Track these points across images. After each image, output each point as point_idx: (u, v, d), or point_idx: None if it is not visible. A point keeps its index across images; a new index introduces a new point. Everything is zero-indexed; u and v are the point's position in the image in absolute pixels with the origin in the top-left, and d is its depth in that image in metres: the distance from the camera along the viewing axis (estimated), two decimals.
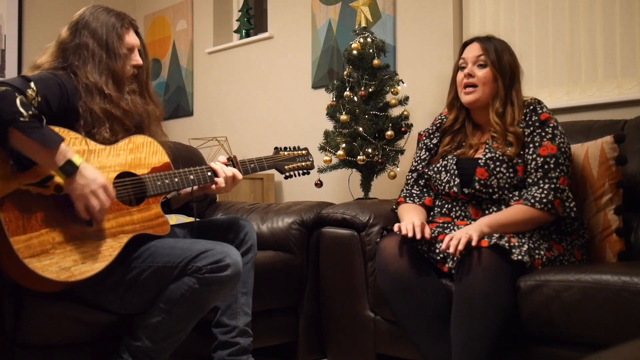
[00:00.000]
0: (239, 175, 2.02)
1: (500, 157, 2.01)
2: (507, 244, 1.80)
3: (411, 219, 1.95)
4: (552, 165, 1.96)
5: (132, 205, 1.85)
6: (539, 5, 2.96)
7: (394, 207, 2.27)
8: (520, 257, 1.78)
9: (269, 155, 2.16)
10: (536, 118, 2.03)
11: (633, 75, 2.69)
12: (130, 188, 1.84)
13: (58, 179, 1.69)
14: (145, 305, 1.81)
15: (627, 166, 2.12)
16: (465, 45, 2.17)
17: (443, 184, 2.10)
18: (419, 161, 2.25)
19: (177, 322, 1.80)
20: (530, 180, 1.99)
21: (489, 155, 2.04)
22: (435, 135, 2.24)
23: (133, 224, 1.82)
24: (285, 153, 2.19)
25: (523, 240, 1.86)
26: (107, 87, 1.87)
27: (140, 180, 1.85)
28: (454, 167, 2.08)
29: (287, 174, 2.17)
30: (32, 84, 1.68)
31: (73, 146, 1.73)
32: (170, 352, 1.84)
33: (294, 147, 2.22)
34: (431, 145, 2.24)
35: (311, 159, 2.24)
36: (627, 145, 2.14)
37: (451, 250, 1.79)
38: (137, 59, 1.96)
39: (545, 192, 1.93)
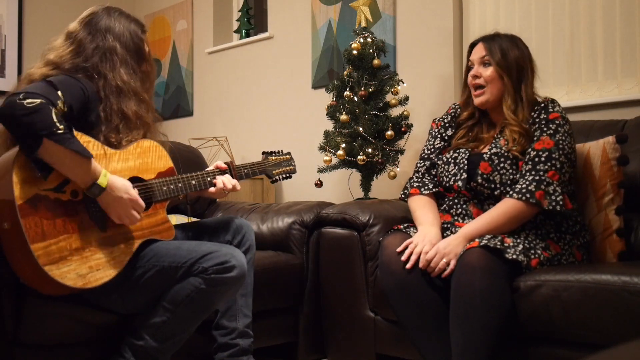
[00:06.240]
0: (238, 186, 2.05)
1: (505, 153, 2.00)
2: (499, 243, 1.79)
3: (426, 232, 1.95)
4: (542, 159, 1.93)
5: None
6: (539, 5, 2.96)
7: (403, 194, 2.19)
8: (515, 256, 1.78)
9: (259, 161, 2.21)
10: (544, 116, 2.00)
11: (633, 75, 2.69)
12: (140, 193, 1.85)
13: (74, 185, 1.70)
14: (147, 305, 1.81)
15: (628, 166, 2.12)
16: (472, 46, 2.16)
17: (450, 176, 2.07)
18: (432, 149, 2.20)
19: (181, 322, 1.80)
20: (520, 174, 1.97)
21: (494, 150, 2.02)
22: (452, 125, 2.22)
23: (142, 230, 1.83)
24: (273, 158, 2.25)
25: (518, 241, 1.85)
26: (144, 91, 1.91)
27: (149, 186, 1.86)
28: (465, 161, 2.05)
29: (274, 178, 2.23)
30: (60, 94, 1.66)
31: None
32: (172, 352, 1.84)
33: (279, 152, 2.28)
34: (446, 137, 2.21)
35: (293, 164, 2.29)
36: (628, 145, 2.14)
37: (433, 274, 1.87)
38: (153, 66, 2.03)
39: (527, 182, 1.91)
